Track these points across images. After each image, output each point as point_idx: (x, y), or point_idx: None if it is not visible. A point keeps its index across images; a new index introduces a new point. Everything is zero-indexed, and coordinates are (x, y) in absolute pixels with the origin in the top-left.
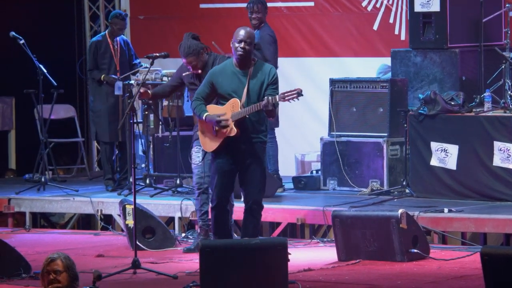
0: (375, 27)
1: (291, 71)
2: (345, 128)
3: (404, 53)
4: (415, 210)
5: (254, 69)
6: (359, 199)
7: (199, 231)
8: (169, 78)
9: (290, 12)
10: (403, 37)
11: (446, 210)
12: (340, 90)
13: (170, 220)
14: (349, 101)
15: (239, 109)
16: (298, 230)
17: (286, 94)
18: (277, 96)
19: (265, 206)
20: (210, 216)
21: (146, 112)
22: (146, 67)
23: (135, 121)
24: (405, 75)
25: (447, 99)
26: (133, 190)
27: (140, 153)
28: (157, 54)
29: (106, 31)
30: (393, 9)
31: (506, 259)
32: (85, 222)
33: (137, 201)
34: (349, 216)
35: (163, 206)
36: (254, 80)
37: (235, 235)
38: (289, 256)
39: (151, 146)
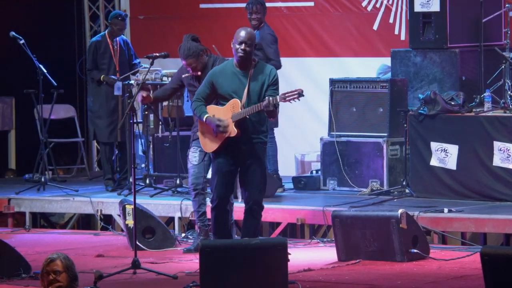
0: (375, 27)
1: (291, 71)
2: (345, 128)
3: (404, 53)
4: (415, 210)
5: (254, 70)
6: (359, 199)
7: (198, 231)
8: (169, 79)
9: (290, 12)
10: (403, 37)
11: (446, 210)
12: (340, 90)
13: (170, 220)
14: (349, 101)
15: (240, 110)
16: (298, 230)
17: (287, 95)
18: (278, 97)
19: (265, 206)
20: (208, 217)
21: (146, 112)
22: (146, 67)
23: (135, 121)
24: (405, 75)
25: (447, 99)
26: (133, 190)
27: (140, 153)
28: (157, 54)
29: (106, 31)
30: (393, 9)
31: (506, 259)
32: (85, 222)
33: (137, 201)
34: (349, 216)
35: (163, 206)
36: (254, 80)
37: (236, 236)
38: (289, 256)
39: (151, 146)
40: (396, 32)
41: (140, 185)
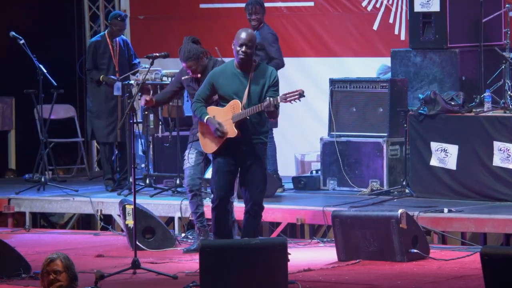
0: (375, 27)
1: (291, 71)
2: (345, 128)
3: (404, 53)
4: (415, 210)
5: (255, 71)
6: (359, 199)
7: (198, 232)
8: (169, 79)
9: (290, 12)
10: (403, 37)
11: (446, 210)
12: (340, 90)
13: (170, 220)
14: (349, 101)
15: (240, 111)
16: (298, 230)
17: (287, 95)
18: (278, 97)
19: (265, 206)
20: (207, 217)
21: (146, 112)
22: (146, 67)
23: (135, 121)
24: (405, 75)
25: (447, 99)
26: (133, 190)
27: (140, 153)
28: (157, 54)
29: (106, 31)
30: (393, 9)
31: (506, 259)
32: (85, 222)
33: (137, 201)
34: (349, 216)
35: (163, 206)
36: (255, 82)
37: (236, 236)
38: (289, 256)
39: (151, 146)
40: (396, 32)
41: (140, 185)
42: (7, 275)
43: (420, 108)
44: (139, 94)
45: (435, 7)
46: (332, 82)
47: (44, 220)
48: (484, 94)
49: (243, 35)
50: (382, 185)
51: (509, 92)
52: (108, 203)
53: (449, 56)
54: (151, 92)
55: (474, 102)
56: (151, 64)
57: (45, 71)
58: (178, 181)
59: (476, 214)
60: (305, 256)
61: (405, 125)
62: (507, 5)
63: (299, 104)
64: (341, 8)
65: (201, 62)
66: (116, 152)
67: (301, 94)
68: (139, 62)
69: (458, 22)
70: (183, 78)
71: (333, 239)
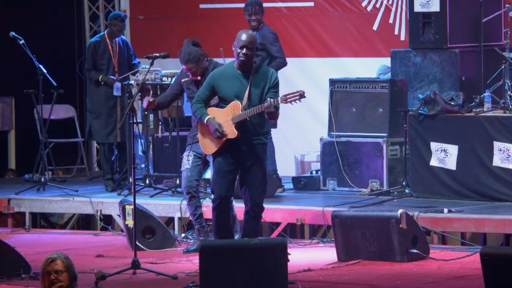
0: (375, 27)
1: (291, 71)
2: (345, 128)
3: (404, 53)
4: (415, 210)
5: (255, 72)
6: (359, 199)
7: (198, 232)
8: (169, 79)
9: (290, 12)
10: (403, 37)
11: (446, 210)
12: (340, 90)
13: (170, 220)
14: (349, 101)
15: (240, 112)
16: (298, 230)
17: (288, 96)
18: (279, 98)
19: (265, 206)
20: (206, 217)
21: (146, 112)
22: (146, 68)
23: (135, 121)
24: (404, 75)
25: (447, 99)
26: (133, 190)
27: (140, 153)
28: (157, 55)
29: (105, 32)
30: (393, 9)
31: (506, 259)
32: (84, 222)
33: (137, 201)
34: (349, 216)
35: (163, 206)
36: (255, 83)
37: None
38: (289, 256)
39: (151, 146)
40: (396, 32)
41: (140, 185)
42: (7, 275)
43: (420, 108)
44: (139, 94)
45: (435, 7)
46: (332, 82)
47: (44, 220)
48: (484, 94)
49: (243, 37)
50: (382, 185)
51: (509, 92)
52: (108, 203)
53: (449, 56)
54: (151, 92)
55: (474, 102)
56: (151, 64)
57: (45, 71)
58: (178, 181)
59: (476, 214)
60: (305, 256)
61: (405, 125)
62: (507, 5)
63: (299, 104)
64: (341, 8)
65: (201, 64)
66: (116, 152)
67: (301, 95)
68: (138, 62)
69: (458, 22)
70: (182, 80)
71: (333, 239)
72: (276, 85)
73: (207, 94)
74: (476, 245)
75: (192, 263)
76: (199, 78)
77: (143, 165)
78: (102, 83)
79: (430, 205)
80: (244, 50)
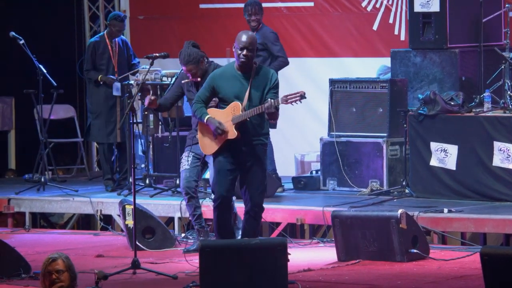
0: (375, 27)
1: (291, 71)
2: (345, 128)
3: (403, 53)
4: (415, 210)
5: (255, 73)
6: (359, 199)
7: (197, 233)
8: (169, 79)
9: (290, 12)
10: (403, 37)
11: (445, 210)
12: (340, 90)
13: (170, 220)
14: (349, 101)
15: (240, 112)
16: (298, 230)
17: (289, 97)
18: (279, 99)
19: (265, 206)
20: (205, 217)
21: (146, 112)
22: (146, 68)
23: (135, 121)
24: (404, 75)
25: (447, 99)
26: (133, 190)
27: (140, 153)
28: (157, 55)
29: (105, 32)
30: (393, 9)
31: (506, 259)
32: (84, 222)
33: (137, 201)
34: (349, 216)
35: (163, 206)
36: (256, 84)
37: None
38: (289, 256)
39: (151, 146)
40: (396, 32)
41: (140, 185)
42: (7, 275)
43: (420, 108)
44: (139, 94)
45: (435, 7)
46: (332, 82)
47: (44, 220)
48: (484, 94)
49: (244, 38)
50: (382, 185)
51: (508, 92)
52: (108, 203)
53: (449, 56)
54: (151, 92)
55: (474, 102)
56: (151, 64)
57: (45, 71)
58: (178, 181)
59: (476, 214)
60: (305, 256)
61: (405, 125)
62: (507, 5)
63: (299, 104)
64: (341, 8)
65: (201, 66)
66: (116, 152)
67: (302, 96)
68: (138, 62)
69: (458, 22)
70: (183, 82)
71: (333, 239)
72: (276, 86)
73: (207, 95)
74: (476, 245)
75: (192, 263)
76: (199, 79)
77: (143, 165)
78: (102, 82)
79: (430, 205)
80: (244, 51)
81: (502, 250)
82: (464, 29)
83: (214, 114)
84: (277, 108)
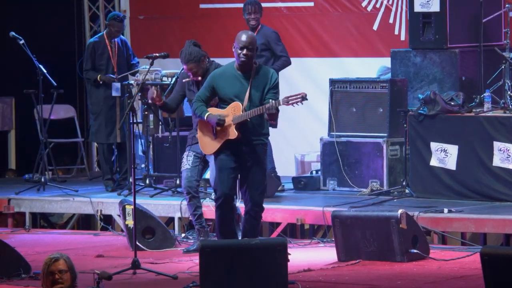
0: (375, 27)
1: (291, 71)
2: (345, 128)
3: (404, 53)
4: (415, 210)
5: (255, 73)
6: (359, 199)
7: (198, 233)
8: (169, 79)
9: (290, 12)
10: (403, 37)
11: (446, 210)
12: (340, 90)
13: (170, 220)
14: (349, 101)
15: (241, 113)
16: (298, 230)
17: (290, 98)
18: (281, 100)
19: (265, 206)
20: (206, 217)
21: (146, 112)
22: (146, 68)
23: (135, 121)
24: (404, 75)
25: (447, 99)
26: (133, 190)
27: (140, 153)
28: (157, 55)
29: (104, 32)
30: (393, 9)
31: (506, 259)
32: (84, 222)
33: (137, 201)
34: (349, 216)
35: (163, 206)
36: (256, 84)
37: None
38: (289, 256)
39: (151, 146)
40: (396, 32)
41: (140, 185)
42: (7, 275)
43: (420, 108)
44: (139, 94)
45: (435, 7)
46: (332, 82)
47: (44, 220)
48: (484, 94)
49: (243, 37)
50: (382, 185)
51: (509, 92)
52: (108, 203)
53: (449, 56)
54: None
55: (474, 102)
56: (151, 64)
57: (45, 71)
58: (178, 181)
59: (476, 214)
60: (305, 256)
61: (405, 125)
62: (507, 5)
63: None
64: (341, 8)
65: (202, 65)
66: (116, 152)
67: (303, 97)
68: (138, 62)
69: (458, 22)
70: (184, 81)
71: (333, 239)
72: (276, 86)
73: (207, 94)
74: (476, 245)
75: (192, 263)
76: (199, 78)
77: (143, 165)
78: (101, 82)
79: (430, 205)
80: (244, 51)
81: (502, 250)
82: (464, 29)
83: (215, 113)
84: (277, 109)
